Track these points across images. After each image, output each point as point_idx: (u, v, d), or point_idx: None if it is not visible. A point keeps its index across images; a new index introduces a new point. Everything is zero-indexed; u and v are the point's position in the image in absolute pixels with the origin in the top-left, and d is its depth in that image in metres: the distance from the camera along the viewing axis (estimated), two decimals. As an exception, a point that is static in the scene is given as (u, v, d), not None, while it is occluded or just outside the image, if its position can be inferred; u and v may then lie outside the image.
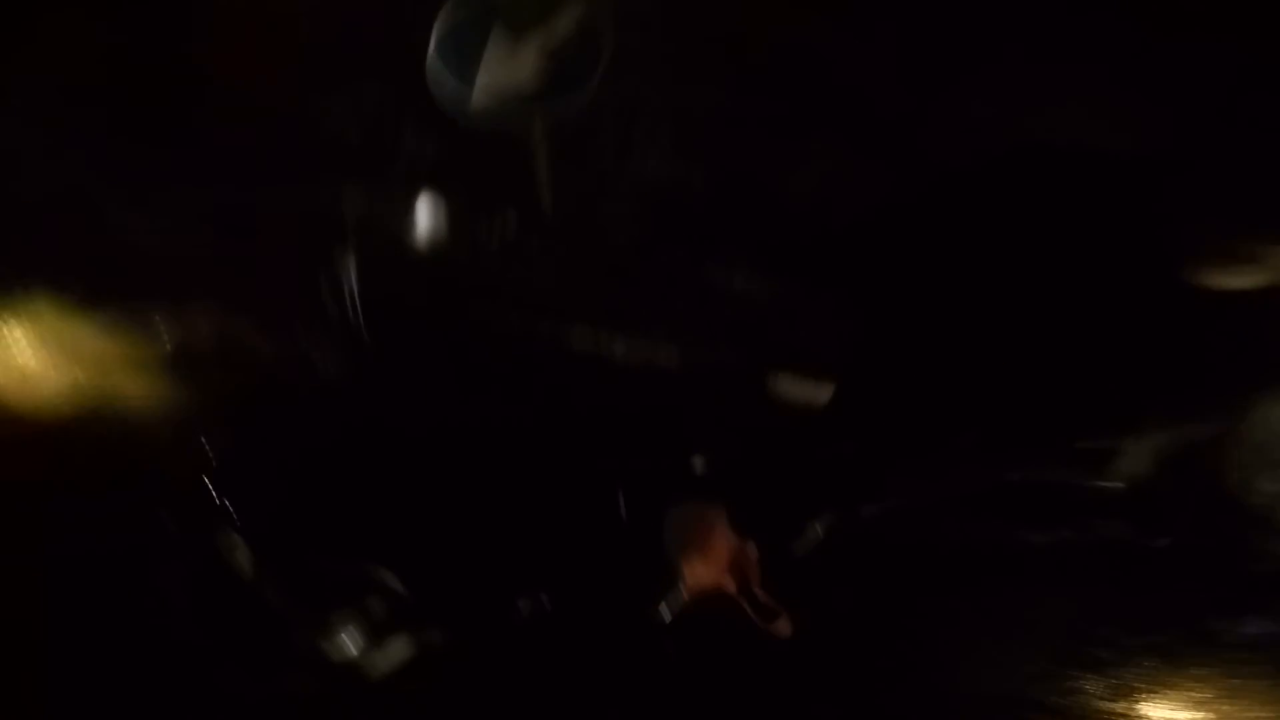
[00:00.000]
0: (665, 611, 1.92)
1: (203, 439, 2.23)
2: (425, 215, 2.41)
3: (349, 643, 1.98)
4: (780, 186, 2.37)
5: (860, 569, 2.05)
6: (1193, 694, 1.95)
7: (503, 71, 2.07)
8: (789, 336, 2.16)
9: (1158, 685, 1.98)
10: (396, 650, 2.00)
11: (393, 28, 2.60)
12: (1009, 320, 2.04)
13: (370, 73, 2.68)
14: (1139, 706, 1.99)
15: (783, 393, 2.15)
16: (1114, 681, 1.99)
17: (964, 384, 2.07)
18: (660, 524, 1.96)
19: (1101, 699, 1.99)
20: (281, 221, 2.50)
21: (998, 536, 2.01)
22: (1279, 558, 1.89)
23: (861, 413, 2.12)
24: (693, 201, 2.34)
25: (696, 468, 2.07)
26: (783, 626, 1.88)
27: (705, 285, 2.24)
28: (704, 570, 1.89)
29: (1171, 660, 1.96)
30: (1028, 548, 2.00)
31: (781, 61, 2.55)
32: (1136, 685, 1.98)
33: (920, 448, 2.10)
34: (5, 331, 2.33)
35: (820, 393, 2.12)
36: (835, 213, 2.37)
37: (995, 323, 2.06)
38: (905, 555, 2.05)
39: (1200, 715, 1.97)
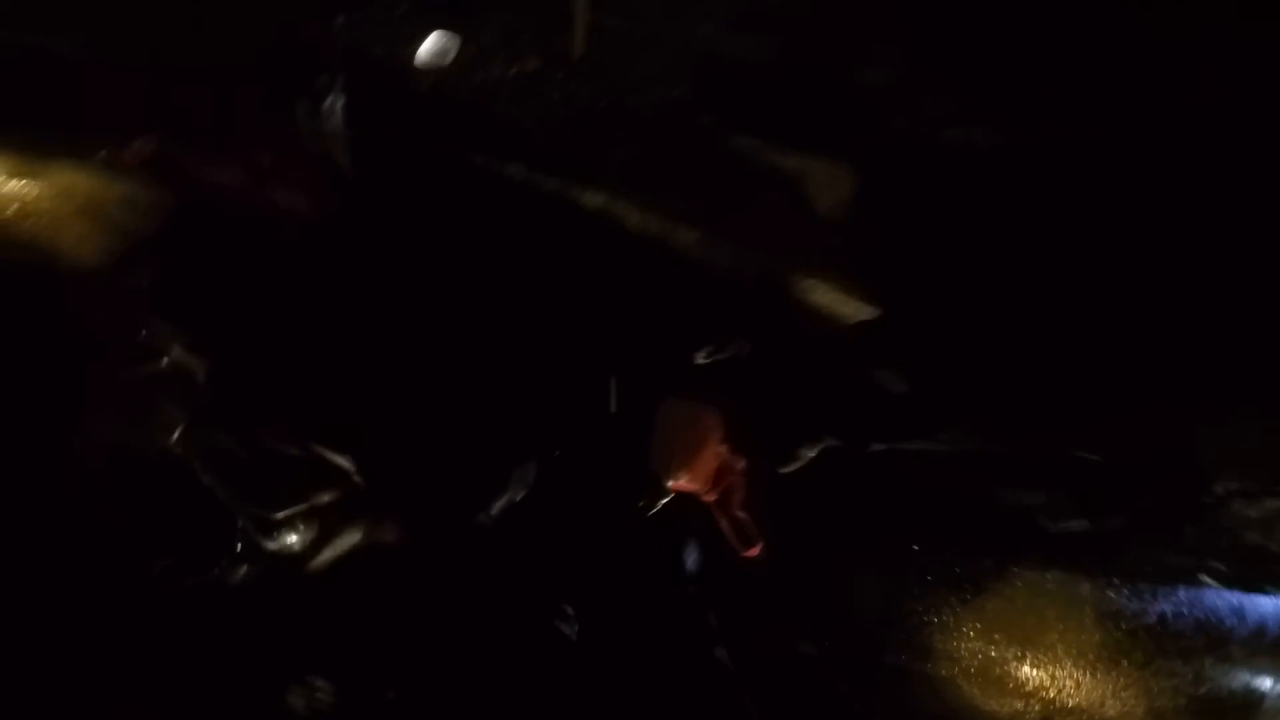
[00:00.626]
0: (640, 515, 1.70)
1: (146, 290, 1.95)
2: (431, 48, 2.13)
3: (292, 533, 1.76)
4: (843, 81, 2.14)
5: (842, 501, 1.93)
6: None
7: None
8: (826, 241, 1.93)
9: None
10: (345, 543, 1.78)
11: None
12: (1057, 280, 1.86)
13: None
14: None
15: (811, 301, 1.92)
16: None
17: (998, 336, 1.90)
18: (650, 420, 1.73)
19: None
20: (261, 46, 2.24)
21: (974, 492, 1.94)
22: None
23: (891, 341, 1.91)
24: (742, 76, 2.10)
25: (698, 363, 1.84)
26: (755, 550, 1.69)
27: (740, 166, 1.99)
28: (686, 476, 1.68)
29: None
30: (999, 507, 1.94)
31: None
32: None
33: (944, 393, 1.92)
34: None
35: (851, 309, 1.90)
36: (896, 122, 2.14)
37: (1044, 280, 1.89)
38: (884, 495, 1.95)
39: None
